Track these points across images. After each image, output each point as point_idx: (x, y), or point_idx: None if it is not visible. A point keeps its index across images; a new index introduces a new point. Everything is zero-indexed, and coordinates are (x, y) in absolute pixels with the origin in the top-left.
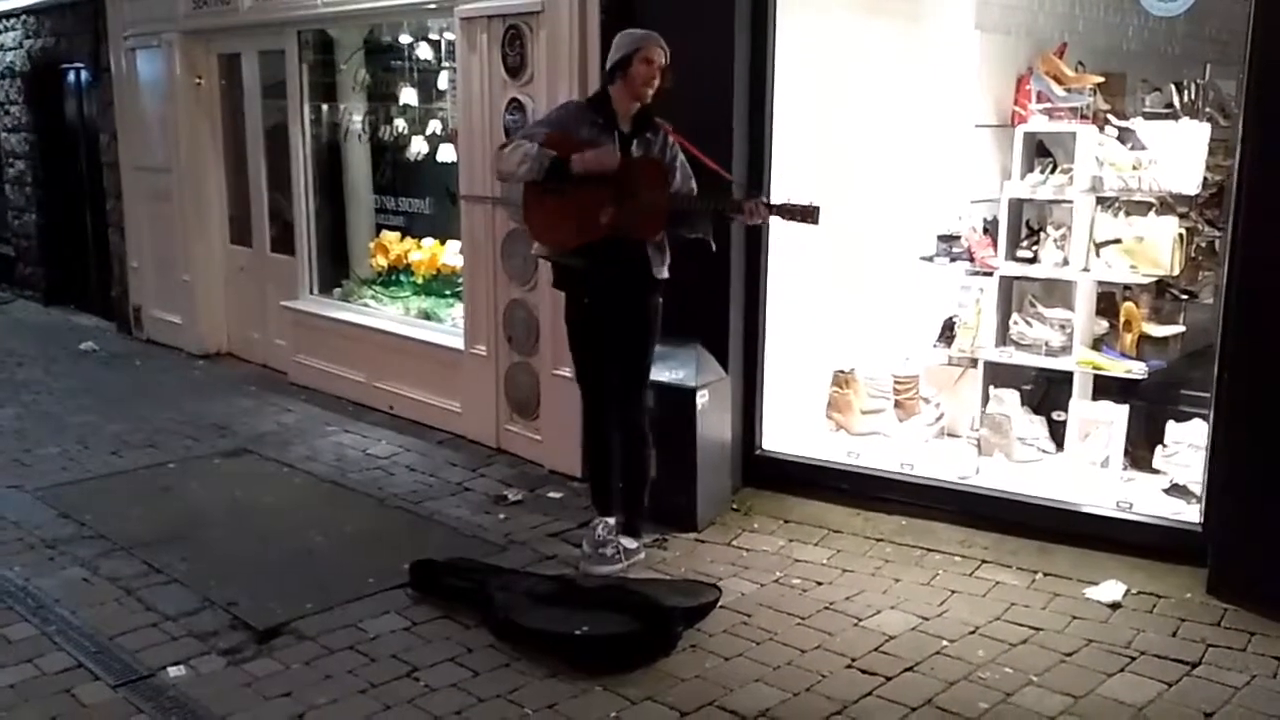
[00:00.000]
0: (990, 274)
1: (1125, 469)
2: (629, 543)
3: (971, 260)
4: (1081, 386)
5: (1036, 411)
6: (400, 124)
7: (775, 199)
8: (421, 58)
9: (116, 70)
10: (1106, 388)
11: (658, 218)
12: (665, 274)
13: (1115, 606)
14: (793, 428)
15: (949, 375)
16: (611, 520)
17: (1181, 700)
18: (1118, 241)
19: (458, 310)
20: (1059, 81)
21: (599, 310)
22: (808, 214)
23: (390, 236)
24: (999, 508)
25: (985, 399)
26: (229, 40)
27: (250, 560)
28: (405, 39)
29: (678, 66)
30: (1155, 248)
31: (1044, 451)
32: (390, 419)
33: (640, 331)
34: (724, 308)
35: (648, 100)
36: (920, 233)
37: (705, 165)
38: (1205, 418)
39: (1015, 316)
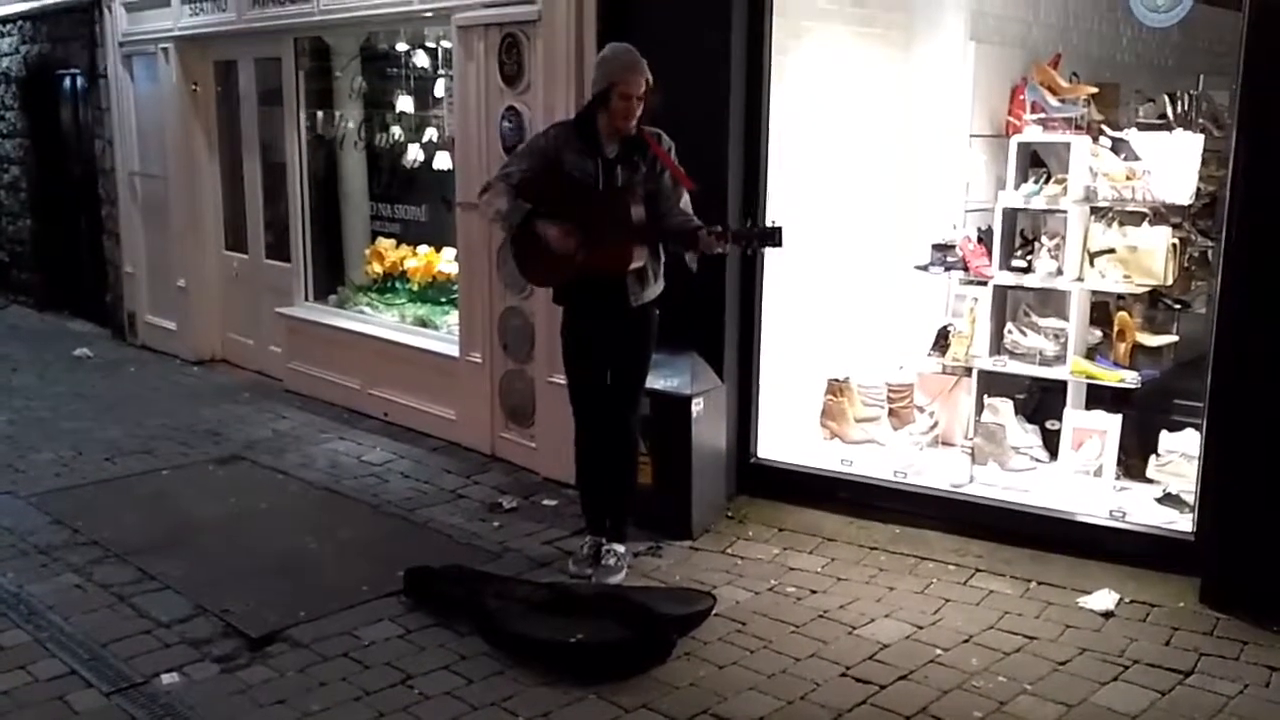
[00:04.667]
0: (985, 283)
1: (1118, 478)
2: (618, 548)
3: (966, 269)
4: (1075, 396)
5: (1030, 420)
6: (396, 131)
7: (735, 225)
8: (418, 65)
9: (112, 76)
10: (1100, 397)
11: (626, 253)
12: (653, 295)
13: (1108, 615)
14: (787, 436)
15: (943, 384)
16: (602, 537)
17: (1174, 709)
18: (1111, 251)
19: (453, 317)
20: (1053, 92)
21: (593, 328)
22: (768, 237)
23: (386, 243)
24: (993, 516)
25: (979, 408)
26: (225, 47)
27: (244, 567)
28: (402, 46)
29: (673, 77)
30: (1149, 258)
31: (1038, 460)
32: (385, 426)
33: (637, 343)
34: (719, 316)
35: (630, 132)
36: (915, 242)
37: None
38: (1198, 427)
39: (1009, 325)
